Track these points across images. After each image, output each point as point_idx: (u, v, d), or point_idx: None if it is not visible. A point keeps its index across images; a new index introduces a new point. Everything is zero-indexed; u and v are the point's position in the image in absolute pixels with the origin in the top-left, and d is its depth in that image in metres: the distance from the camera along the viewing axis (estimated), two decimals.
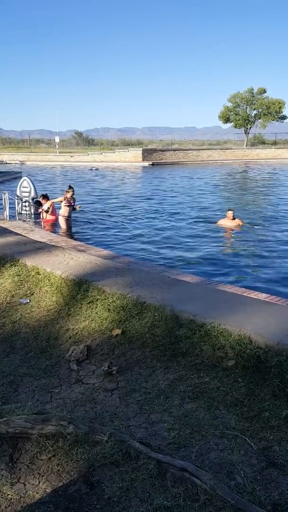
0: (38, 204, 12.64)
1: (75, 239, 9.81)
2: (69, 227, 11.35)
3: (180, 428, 2.78)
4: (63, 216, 11.27)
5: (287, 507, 2.16)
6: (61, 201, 11.35)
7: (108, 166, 36.85)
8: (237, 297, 4.77)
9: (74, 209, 11.49)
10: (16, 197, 12.63)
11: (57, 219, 11.77)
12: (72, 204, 11.28)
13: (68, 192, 11.29)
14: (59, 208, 11.56)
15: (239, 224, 11.69)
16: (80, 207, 12.01)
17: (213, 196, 19.32)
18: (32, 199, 12.90)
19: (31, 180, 13.28)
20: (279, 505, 2.17)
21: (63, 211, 11.28)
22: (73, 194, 11.37)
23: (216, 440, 2.66)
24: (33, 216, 12.50)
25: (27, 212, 12.83)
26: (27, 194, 12.98)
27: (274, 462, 2.47)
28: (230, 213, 11.65)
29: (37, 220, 11.88)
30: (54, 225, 11.69)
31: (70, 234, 11.07)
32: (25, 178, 13.51)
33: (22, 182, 13.29)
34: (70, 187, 11.64)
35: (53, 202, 12.01)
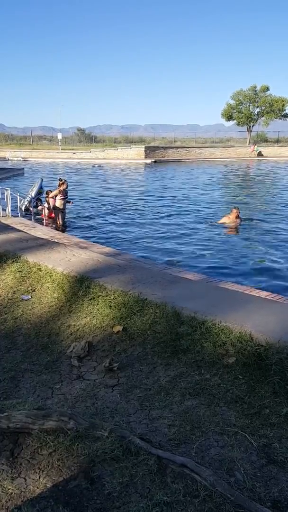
0: (39, 200, 12.81)
1: (77, 236, 9.82)
2: (63, 219, 11.44)
3: (181, 425, 2.79)
4: (58, 209, 11.37)
5: (287, 504, 2.16)
6: (56, 195, 11.48)
7: (110, 163, 36.81)
8: (238, 295, 4.77)
9: (68, 201, 11.59)
10: (18, 194, 12.70)
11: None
12: (66, 196, 11.38)
13: (62, 184, 11.40)
14: None
15: (240, 222, 11.68)
16: (72, 202, 12.08)
17: (215, 194, 19.29)
18: (33, 196, 13.04)
19: (41, 181, 13.53)
20: (278, 502, 2.18)
21: (58, 203, 11.43)
22: (66, 186, 11.46)
23: (216, 436, 2.67)
24: (26, 212, 12.60)
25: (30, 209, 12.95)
26: (33, 194, 13.20)
27: (274, 459, 2.48)
28: (234, 211, 11.63)
29: (37, 217, 11.95)
30: (55, 222, 11.77)
31: (64, 226, 11.16)
32: (41, 178, 13.89)
33: (35, 183, 13.63)
34: (60, 179, 11.81)
35: (52, 197, 12.12)
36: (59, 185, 11.43)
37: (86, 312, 4.52)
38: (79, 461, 2.38)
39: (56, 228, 10.84)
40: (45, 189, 13.61)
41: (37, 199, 13.07)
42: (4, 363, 3.89)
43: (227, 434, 2.69)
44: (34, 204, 12.74)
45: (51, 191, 12.62)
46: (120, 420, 2.86)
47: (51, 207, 11.92)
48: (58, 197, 11.34)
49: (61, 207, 11.35)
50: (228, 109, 57.07)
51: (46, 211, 12.01)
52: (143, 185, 22.56)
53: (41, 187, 13.40)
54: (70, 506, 2.15)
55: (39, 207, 12.71)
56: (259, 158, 44.29)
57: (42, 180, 13.86)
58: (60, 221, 11.36)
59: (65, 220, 11.66)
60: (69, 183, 12.37)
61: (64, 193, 11.37)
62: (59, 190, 11.40)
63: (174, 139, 66.71)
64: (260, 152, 46.36)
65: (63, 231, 10.60)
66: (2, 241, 7.21)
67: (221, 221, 11.80)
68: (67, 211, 11.96)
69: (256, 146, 47.20)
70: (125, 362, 3.70)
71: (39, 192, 13.30)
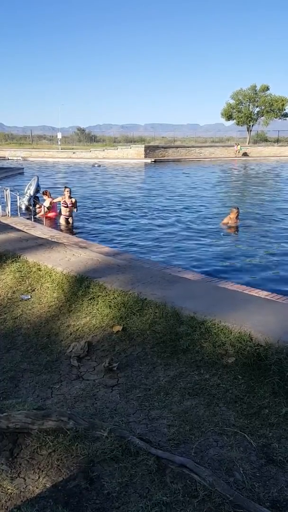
0: (37, 199, 12.86)
1: (76, 236, 9.83)
2: (68, 225, 11.56)
3: (180, 425, 2.79)
4: (63, 215, 11.67)
5: (286, 504, 2.16)
6: (60, 201, 11.80)
7: (110, 163, 36.79)
8: (238, 295, 4.77)
9: (74, 207, 11.71)
10: (17, 193, 12.72)
11: (57, 215, 12.07)
12: (69, 205, 11.49)
13: (65, 192, 11.67)
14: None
15: (239, 222, 11.68)
16: (76, 210, 12.17)
17: (215, 194, 19.29)
18: (32, 195, 13.08)
19: (37, 179, 13.56)
20: (278, 501, 2.18)
21: (62, 210, 11.71)
22: (69, 193, 11.64)
23: (215, 436, 2.67)
24: (26, 211, 12.65)
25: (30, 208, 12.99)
26: (31, 192, 13.25)
27: (273, 459, 2.48)
28: (234, 211, 11.61)
29: (36, 216, 12.01)
30: (55, 222, 11.86)
31: (70, 231, 11.22)
32: (37, 176, 13.89)
33: (32, 181, 13.66)
34: (65, 187, 12.05)
35: (53, 201, 12.31)
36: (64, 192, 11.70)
37: (85, 312, 4.52)
38: (79, 461, 2.38)
39: (59, 229, 10.96)
40: (41, 187, 13.67)
41: (35, 197, 13.10)
42: (3, 363, 3.89)
43: (226, 434, 2.69)
44: (32, 202, 12.78)
45: (47, 191, 12.74)
46: (120, 420, 2.86)
47: (50, 208, 12.09)
48: (61, 204, 11.65)
49: (65, 213, 11.57)
50: (228, 108, 57.05)
51: (46, 210, 12.04)
52: (143, 185, 22.55)
53: (38, 185, 13.44)
54: (69, 506, 2.15)
55: (37, 206, 12.74)
56: (245, 158, 44.03)
57: (38, 178, 13.88)
58: (64, 223, 11.53)
59: (73, 224, 11.79)
60: (69, 182, 12.46)
61: (66, 201, 11.54)
62: (62, 197, 11.67)
63: (174, 138, 66.70)
64: (245, 152, 46.06)
65: (70, 233, 10.66)
66: (2, 241, 7.21)
67: (223, 222, 11.75)
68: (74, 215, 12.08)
69: (239, 146, 46.84)
70: (125, 362, 3.70)
71: (37, 190, 13.34)
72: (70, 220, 11.64)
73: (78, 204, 12.29)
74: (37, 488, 2.28)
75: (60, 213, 11.89)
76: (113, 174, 28.42)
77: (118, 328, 4.11)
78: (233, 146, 48.05)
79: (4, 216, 10.66)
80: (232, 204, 13.91)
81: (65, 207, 11.48)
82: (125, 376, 3.50)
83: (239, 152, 45.54)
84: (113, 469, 2.32)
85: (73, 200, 11.65)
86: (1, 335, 4.44)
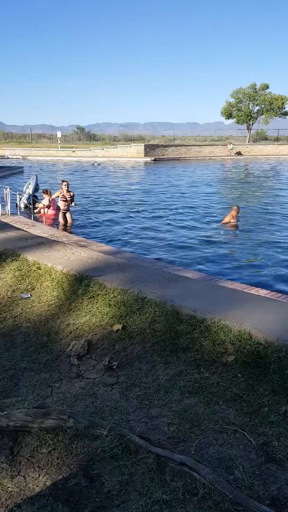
0: (36, 197, 12.87)
1: (76, 234, 9.83)
2: (66, 220, 11.54)
3: (180, 423, 2.79)
4: (61, 210, 11.62)
5: (286, 502, 2.17)
6: (58, 196, 11.73)
7: (110, 162, 36.76)
8: (238, 293, 4.77)
9: (72, 200, 11.68)
10: (17, 192, 12.73)
11: (56, 214, 12.07)
12: (68, 199, 11.45)
13: (63, 186, 11.60)
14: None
15: (239, 220, 11.67)
16: (75, 204, 12.15)
17: (214, 192, 19.28)
18: (31, 194, 13.10)
19: (36, 178, 13.55)
20: (277, 499, 2.19)
21: (60, 205, 11.64)
22: (67, 187, 11.58)
23: (215, 435, 2.68)
24: (25, 210, 12.65)
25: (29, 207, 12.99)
26: (30, 191, 13.26)
27: (272, 457, 2.48)
28: (235, 209, 11.58)
29: (36, 215, 11.99)
30: (54, 220, 11.84)
31: (69, 227, 11.20)
32: (35, 175, 13.87)
33: (30, 180, 13.66)
34: (63, 181, 12.00)
35: (51, 198, 12.29)
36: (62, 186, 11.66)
37: (85, 310, 4.53)
38: (79, 460, 2.39)
39: (58, 227, 10.96)
40: (40, 186, 13.68)
41: (34, 195, 13.11)
42: (3, 362, 3.89)
43: (226, 432, 2.70)
44: (31, 201, 12.79)
45: (48, 190, 12.75)
46: (120, 418, 2.86)
47: (50, 206, 12.06)
48: (59, 198, 11.54)
49: (62, 208, 11.51)
50: (228, 107, 57.02)
51: (46, 209, 12.04)
52: (143, 183, 22.53)
53: (37, 184, 13.44)
54: (69, 504, 2.16)
55: (36, 204, 12.75)
56: (239, 157, 43.70)
57: (36, 176, 13.88)
58: (62, 221, 11.48)
59: (73, 222, 11.76)
60: (69, 182, 12.45)
61: (66, 195, 11.50)
62: (60, 192, 11.56)
63: (173, 137, 66.58)
64: (238, 151, 45.62)
65: (70, 232, 10.64)
66: (2, 240, 7.21)
67: (224, 220, 11.72)
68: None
69: (232, 145, 46.37)
70: (125, 360, 3.70)
71: (36, 189, 13.34)
72: (68, 215, 11.58)
73: (77, 202, 12.29)
74: (37, 486, 2.29)
75: (58, 209, 11.82)
76: (113, 172, 28.40)
77: (118, 326, 4.11)
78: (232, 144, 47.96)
79: (3, 215, 10.66)
80: (232, 203, 13.92)
81: (64, 201, 11.42)
82: (125, 375, 3.50)
83: (232, 151, 45.31)
84: (113, 467, 2.33)
85: (72, 193, 11.63)
86: (1, 334, 4.44)
